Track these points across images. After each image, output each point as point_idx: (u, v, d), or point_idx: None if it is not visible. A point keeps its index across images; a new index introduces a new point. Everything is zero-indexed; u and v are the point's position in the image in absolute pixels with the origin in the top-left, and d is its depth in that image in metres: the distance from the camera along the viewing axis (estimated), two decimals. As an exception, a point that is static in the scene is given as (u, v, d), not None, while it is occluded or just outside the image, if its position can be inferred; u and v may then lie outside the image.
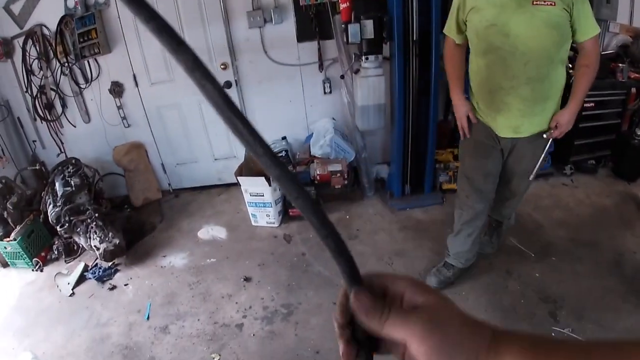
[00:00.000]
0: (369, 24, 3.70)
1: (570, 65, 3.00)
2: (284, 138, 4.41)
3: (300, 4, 4.00)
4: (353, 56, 4.00)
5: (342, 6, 3.74)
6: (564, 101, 2.74)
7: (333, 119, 4.40)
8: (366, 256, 3.56)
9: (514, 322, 3.05)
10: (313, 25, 4.05)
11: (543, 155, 2.85)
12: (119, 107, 4.65)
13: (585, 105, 4.39)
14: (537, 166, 2.93)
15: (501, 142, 2.86)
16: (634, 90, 4.87)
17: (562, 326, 3.04)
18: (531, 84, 2.51)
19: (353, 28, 3.70)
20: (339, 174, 4.02)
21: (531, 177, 3.01)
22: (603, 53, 4.84)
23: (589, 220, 4.14)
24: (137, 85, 4.53)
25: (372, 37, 3.74)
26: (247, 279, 3.44)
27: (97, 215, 3.96)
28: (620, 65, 4.71)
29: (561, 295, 3.29)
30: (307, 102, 4.36)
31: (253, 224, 3.99)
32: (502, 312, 3.19)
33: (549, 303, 3.23)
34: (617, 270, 3.59)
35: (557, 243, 3.82)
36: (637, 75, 4.91)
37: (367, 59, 3.86)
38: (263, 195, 3.75)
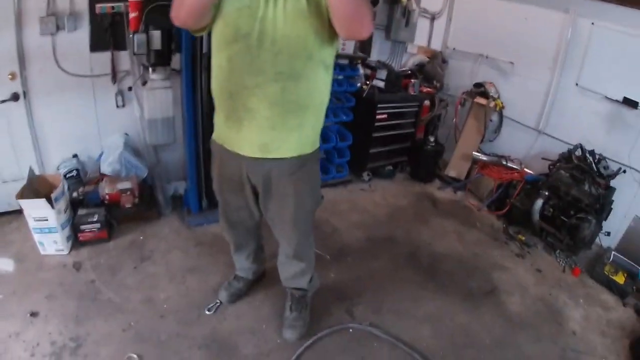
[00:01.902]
0: (156, 34, 3.46)
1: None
2: (75, 156, 3.97)
3: (96, 12, 3.71)
4: (142, 68, 3.82)
5: (131, 15, 3.47)
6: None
7: (126, 134, 4.03)
8: (158, 277, 3.25)
9: (313, 324, 2.89)
10: (107, 35, 3.71)
11: None
12: None
13: (378, 117, 4.70)
14: None
15: (252, 176, 2.28)
16: (427, 102, 5.28)
17: (359, 321, 2.98)
18: (282, 81, 1.94)
19: (139, 38, 3.45)
20: (129, 192, 3.72)
21: None
22: (399, 70, 5.21)
23: (386, 220, 4.26)
24: None
25: (160, 48, 3.56)
26: (33, 314, 2.98)
27: None
28: (412, 80, 5.07)
29: (358, 292, 3.25)
30: (99, 116, 3.92)
31: (42, 252, 3.49)
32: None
33: (346, 301, 3.16)
34: (413, 261, 3.71)
35: (353, 244, 3.83)
36: (429, 89, 5.32)
37: (154, 70, 3.69)
38: (47, 220, 3.34)
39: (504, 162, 4.75)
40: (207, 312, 2.95)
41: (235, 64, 1.97)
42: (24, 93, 3.65)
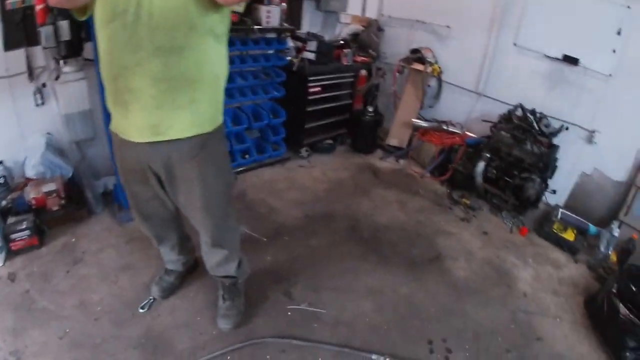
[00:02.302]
0: (64, 25, 3.25)
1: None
2: (0, 163, 3.82)
3: (7, 8, 3.48)
4: (54, 61, 3.62)
5: (37, 7, 3.26)
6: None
7: (48, 133, 3.83)
8: (91, 279, 3.07)
9: (249, 310, 2.78)
10: (20, 31, 3.53)
11: None
12: None
13: (311, 90, 4.50)
14: None
15: (152, 164, 2.10)
16: (363, 72, 5.14)
17: (297, 302, 2.85)
18: (163, 56, 1.78)
19: (46, 30, 3.25)
20: (54, 194, 3.52)
21: None
22: (330, 41, 5.02)
23: (325, 195, 4.12)
24: None
25: (69, 38, 3.37)
26: None
27: None
28: (345, 50, 4.93)
29: (295, 273, 3.11)
30: (20, 117, 3.61)
31: None
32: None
33: (282, 283, 3.02)
34: (353, 235, 3.59)
35: (290, 223, 3.67)
36: (364, 59, 5.17)
37: (66, 62, 3.49)
38: (-24, 234, 3.17)
39: (445, 127, 4.67)
40: (140, 310, 2.81)
41: (114, 43, 1.80)
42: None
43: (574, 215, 3.92)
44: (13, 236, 3.26)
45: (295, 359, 2.55)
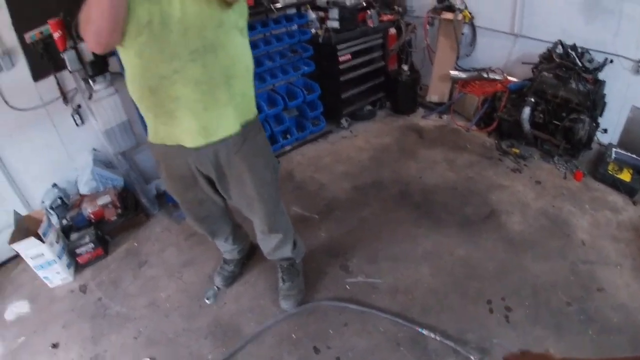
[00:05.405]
0: (85, 47, 3.28)
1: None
2: (54, 185, 3.98)
3: (27, 41, 3.58)
4: (84, 82, 3.66)
5: (55, 36, 3.27)
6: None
7: (94, 149, 3.99)
8: (157, 278, 3.22)
9: (310, 288, 2.88)
10: (45, 60, 3.62)
11: None
12: None
13: (341, 59, 4.43)
14: None
15: (200, 167, 2.17)
16: (392, 31, 4.97)
17: (354, 275, 2.92)
18: (200, 58, 1.81)
19: (69, 56, 3.28)
20: (110, 205, 3.67)
21: None
22: (352, 5, 4.70)
23: (371, 163, 4.10)
24: None
25: (93, 58, 3.39)
26: (55, 346, 3.04)
27: None
28: (369, 12, 4.74)
29: (350, 246, 3.16)
30: (64, 140, 3.77)
31: (50, 286, 3.52)
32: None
33: (339, 257, 3.08)
34: (404, 200, 3.57)
35: (340, 196, 3.72)
36: (390, 17, 4.97)
37: (94, 81, 3.56)
38: (43, 255, 3.35)
39: (485, 75, 4.50)
40: (207, 301, 2.97)
41: (146, 57, 1.82)
42: (-16, 141, 3.60)
43: (628, 154, 3.70)
44: (78, 251, 3.47)
45: (358, 329, 2.61)
